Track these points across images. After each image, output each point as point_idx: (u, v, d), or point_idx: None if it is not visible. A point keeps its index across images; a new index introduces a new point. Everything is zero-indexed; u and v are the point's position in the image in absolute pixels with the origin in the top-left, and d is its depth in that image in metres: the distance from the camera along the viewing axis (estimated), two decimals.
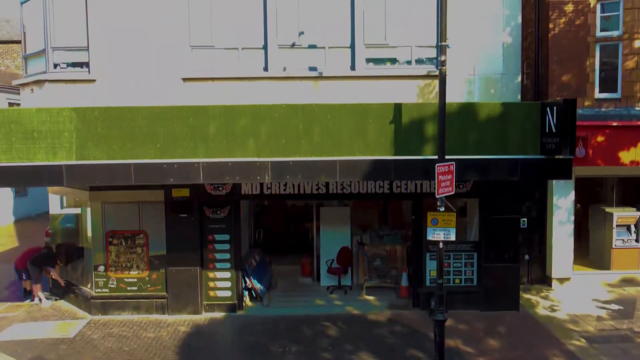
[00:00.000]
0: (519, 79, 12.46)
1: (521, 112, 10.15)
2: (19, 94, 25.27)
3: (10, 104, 26.60)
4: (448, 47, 8.91)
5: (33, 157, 10.04)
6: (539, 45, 14.87)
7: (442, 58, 8.84)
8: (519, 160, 10.08)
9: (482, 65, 12.37)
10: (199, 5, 12.24)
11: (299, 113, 10.10)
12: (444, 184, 9.00)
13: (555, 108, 9.44)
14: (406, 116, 10.12)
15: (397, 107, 10.12)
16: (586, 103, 13.97)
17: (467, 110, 10.14)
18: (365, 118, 10.14)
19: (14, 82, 13.68)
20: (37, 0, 12.72)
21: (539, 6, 14.68)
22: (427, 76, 12.28)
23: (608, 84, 14.03)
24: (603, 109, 13.82)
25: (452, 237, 9.17)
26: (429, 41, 12.40)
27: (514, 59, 12.42)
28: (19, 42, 33.38)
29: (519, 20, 12.40)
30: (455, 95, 12.18)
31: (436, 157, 9.71)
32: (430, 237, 9.29)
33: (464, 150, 10.16)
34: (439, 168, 8.92)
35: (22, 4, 13.48)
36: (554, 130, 9.47)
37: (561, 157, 9.63)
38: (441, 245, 9.21)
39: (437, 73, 11.95)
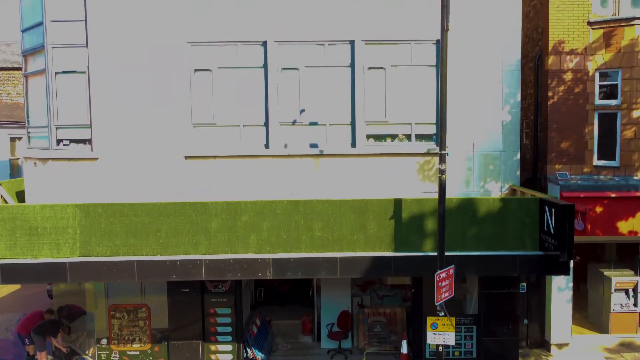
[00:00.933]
0: (518, 155, 12.58)
1: (520, 207, 10.27)
2: (20, 127, 25.48)
3: (12, 139, 26.66)
4: (447, 155, 9.00)
5: (37, 253, 10.17)
6: (537, 110, 14.97)
7: (442, 167, 8.94)
8: (518, 257, 10.20)
9: (481, 142, 12.49)
10: (200, 84, 12.36)
11: (300, 209, 10.22)
12: (444, 290, 9.12)
13: (553, 210, 9.54)
14: (406, 211, 10.23)
15: (397, 203, 10.24)
16: (585, 170, 14.09)
17: (467, 205, 10.26)
18: (366, 213, 10.26)
19: (19, 156, 13.79)
20: (40, 77, 12.85)
21: (538, 71, 14.77)
22: (427, 154, 12.39)
23: (607, 151, 14.12)
24: (601, 177, 13.92)
25: (452, 342, 9.30)
26: (428, 118, 12.53)
27: (513, 136, 12.53)
28: (19, 69, 33.43)
29: (518, 98, 12.51)
30: (454, 173, 12.33)
31: (435, 253, 9.84)
32: (429, 341, 9.41)
33: (463, 245, 10.27)
34: (439, 276, 9.04)
35: (25, 76, 13.60)
36: (552, 232, 9.58)
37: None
38: (440, 349, 9.34)
39: (436, 150, 12.15)
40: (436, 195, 10.10)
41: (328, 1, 12.18)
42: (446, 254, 9.73)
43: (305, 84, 12.41)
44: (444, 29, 8.61)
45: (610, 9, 14.03)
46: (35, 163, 12.97)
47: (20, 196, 15.18)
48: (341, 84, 12.44)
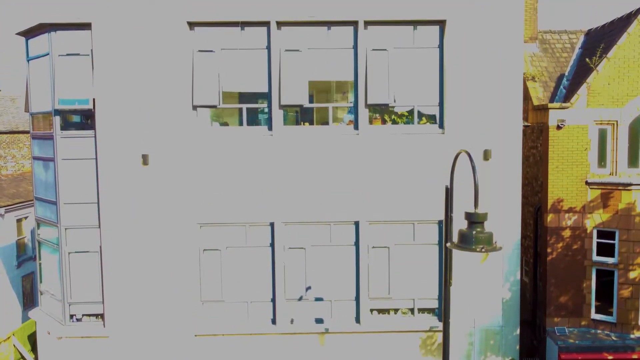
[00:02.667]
0: (518, 331, 12.96)
1: None
2: (26, 207, 25.77)
3: (18, 220, 26.96)
4: None
5: None
6: (537, 256, 15.37)
7: None
8: None
9: (482, 319, 12.88)
10: (209, 262, 12.74)
11: None
12: None
13: None
14: None
15: None
16: (583, 323, 14.49)
17: None
18: None
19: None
20: (53, 249, 13.22)
21: (537, 222, 15.15)
22: (430, 330, 12.79)
23: (604, 306, 14.51)
24: (599, 332, 14.30)
25: None
26: (431, 293, 12.92)
27: (513, 312, 12.91)
28: (26, 132, 33.58)
29: (518, 276, 12.88)
30: (456, 347, 12.72)
31: None
32: None
33: None
34: None
35: (38, 241, 13.96)
36: None
37: None
38: None
39: (439, 328, 12.58)
40: None
41: (332, 184, 12.53)
42: None
43: (311, 261, 12.79)
44: (448, 284, 8.98)
45: (608, 168, 14.38)
46: (49, 332, 13.36)
47: (32, 339, 15.58)
48: (346, 262, 12.82)
